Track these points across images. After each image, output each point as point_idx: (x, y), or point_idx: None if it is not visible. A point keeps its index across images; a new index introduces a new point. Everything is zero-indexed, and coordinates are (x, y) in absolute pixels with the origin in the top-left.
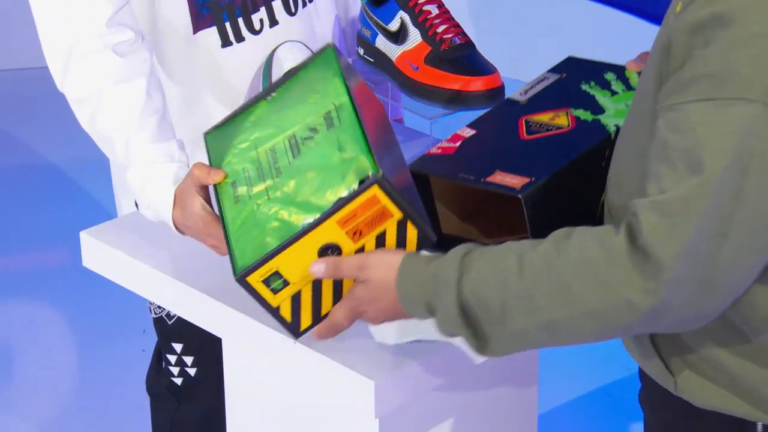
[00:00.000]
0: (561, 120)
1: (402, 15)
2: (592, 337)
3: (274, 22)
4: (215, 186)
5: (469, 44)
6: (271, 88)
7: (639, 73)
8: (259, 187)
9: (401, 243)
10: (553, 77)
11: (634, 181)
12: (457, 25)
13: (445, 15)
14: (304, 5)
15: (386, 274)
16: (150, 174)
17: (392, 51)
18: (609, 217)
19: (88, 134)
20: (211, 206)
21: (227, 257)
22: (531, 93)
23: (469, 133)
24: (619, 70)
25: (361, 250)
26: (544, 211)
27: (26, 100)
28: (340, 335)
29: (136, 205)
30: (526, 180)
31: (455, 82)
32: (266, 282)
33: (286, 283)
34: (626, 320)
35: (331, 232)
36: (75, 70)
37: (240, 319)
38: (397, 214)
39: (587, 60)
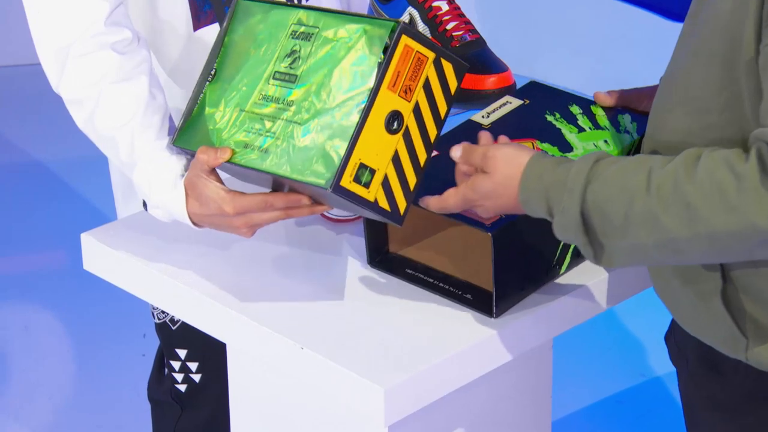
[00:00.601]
0: None
1: (411, 11)
2: (710, 259)
3: None
4: (233, 164)
5: (479, 41)
6: (206, 68)
7: (605, 109)
8: (278, 126)
9: (444, 83)
10: (516, 102)
11: (696, 141)
12: (468, 22)
13: (455, 11)
14: None
15: (512, 170)
16: (156, 171)
17: None
18: None
19: (87, 136)
20: (225, 186)
21: (232, 256)
22: (494, 116)
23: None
24: (585, 104)
25: (417, 106)
26: (510, 250)
27: (16, 97)
28: (348, 340)
29: (144, 206)
30: (496, 217)
31: (466, 81)
32: (357, 179)
33: (372, 172)
34: (749, 243)
35: (387, 101)
36: (72, 71)
37: (245, 323)
38: (431, 55)
39: (551, 87)
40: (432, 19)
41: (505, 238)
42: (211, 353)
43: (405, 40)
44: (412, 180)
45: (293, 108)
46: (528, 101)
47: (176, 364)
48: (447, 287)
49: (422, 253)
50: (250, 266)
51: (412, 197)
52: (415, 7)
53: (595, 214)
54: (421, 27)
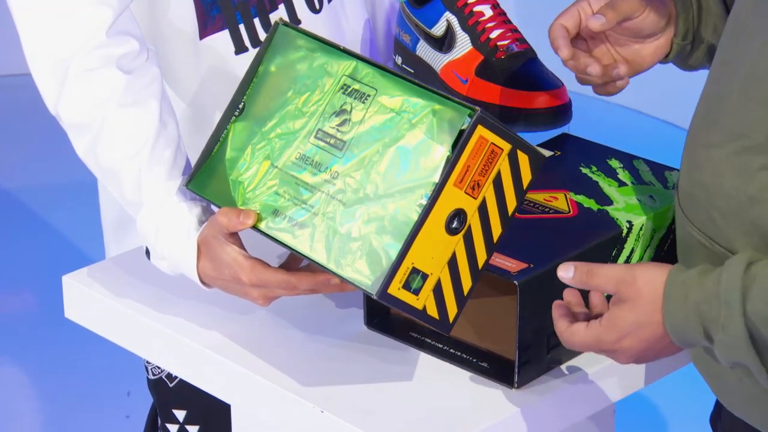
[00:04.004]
0: (559, 203)
1: (448, 17)
2: None
3: (295, 21)
4: (257, 230)
5: (529, 52)
6: (234, 101)
7: (649, 164)
8: (317, 200)
9: (516, 177)
10: (546, 153)
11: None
12: (515, 30)
13: (500, 17)
14: (330, 0)
15: (655, 292)
16: (166, 219)
17: (436, 60)
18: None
19: (87, 166)
20: (245, 251)
21: (239, 308)
22: None
23: None
24: (625, 158)
25: (484, 203)
26: (537, 303)
27: None
28: (373, 404)
29: (147, 253)
30: (524, 265)
31: (513, 99)
32: (407, 286)
33: (425, 277)
34: None
35: (451, 198)
36: (73, 90)
37: (252, 381)
38: (506, 147)
39: (586, 140)
40: (473, 26)
41: (532, 289)
42: (213, 415)
43: (480, 130)
44: (467, 285)
45: (337, 183)
46: (559, 153)
47: (173, 428)
48: (459, 353)
49: None
50: (258, 320)
51: (465, 303)
52: (453, 12)
53: (763, 326)
54: (460, 35)
